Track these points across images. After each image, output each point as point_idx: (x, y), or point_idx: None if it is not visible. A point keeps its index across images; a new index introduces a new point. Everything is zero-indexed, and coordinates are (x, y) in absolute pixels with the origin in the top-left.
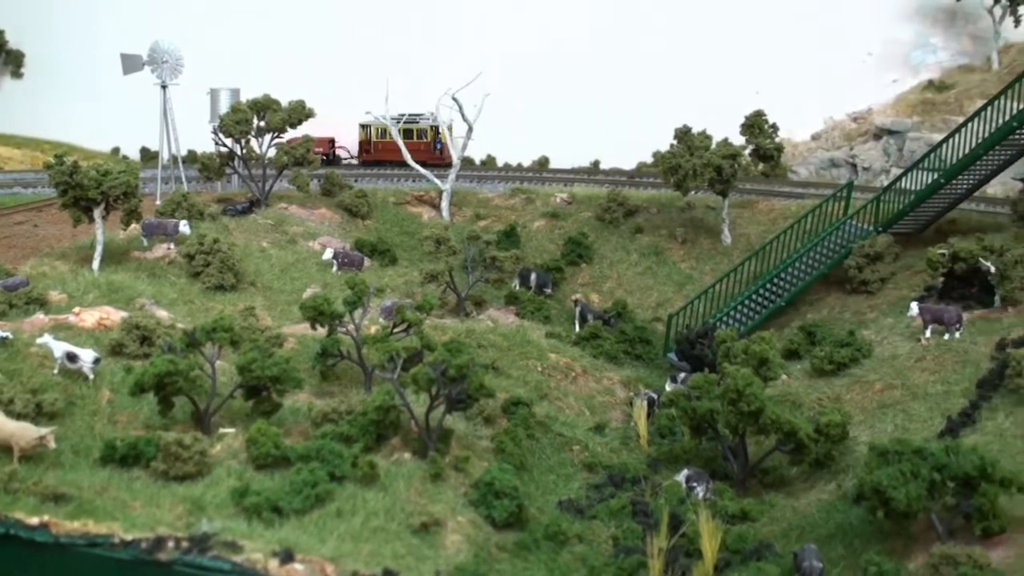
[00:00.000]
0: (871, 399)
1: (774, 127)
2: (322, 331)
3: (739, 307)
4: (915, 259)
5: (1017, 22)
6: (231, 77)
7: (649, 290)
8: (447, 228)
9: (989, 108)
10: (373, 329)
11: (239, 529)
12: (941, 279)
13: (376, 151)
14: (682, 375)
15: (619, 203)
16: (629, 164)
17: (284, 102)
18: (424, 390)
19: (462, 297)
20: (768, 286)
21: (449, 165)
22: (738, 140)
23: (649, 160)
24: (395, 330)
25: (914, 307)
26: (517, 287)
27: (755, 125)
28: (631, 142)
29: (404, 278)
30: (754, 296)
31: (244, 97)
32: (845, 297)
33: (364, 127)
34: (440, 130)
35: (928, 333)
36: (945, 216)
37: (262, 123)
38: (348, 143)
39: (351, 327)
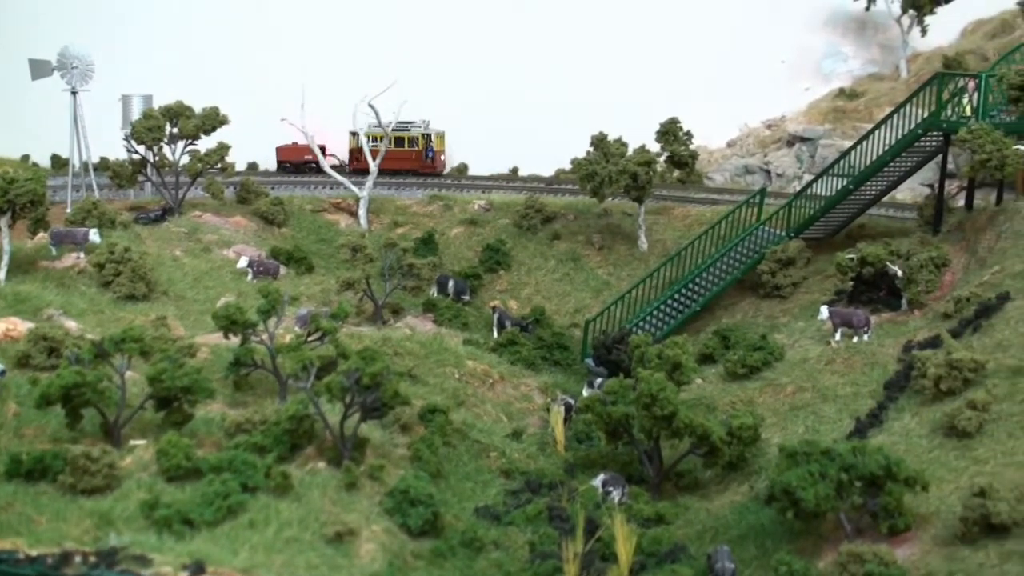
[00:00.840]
0: (783, 401)
1: (688, 134)
2: (236, 340)
3: (655, 312)
4: (826, 264)
5: (924, 32)
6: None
7: (567, 296)
8: (364, 235)
9: (896, 115)
10: (288, 338)
11: (149, 542)
12: (851, 283)
13: (366, 159)
14: (599, 380)
15: (537, 210)
16: (547, 171)
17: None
18: (338, 399)
19: (379, 305)
20: (683, 291)
21: (440, 174)
22: (655, 147)
23: (567, 167)
24: (310, 339)
25: (824, 311)
26: (435, 294)
27: (670, 132)
28: (550, 149)
29: (321, 286)
30: (670, 301)
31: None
32: (759, 301)
33: (354, 134)
34: (432, 138)
35: (838, 336)
36: (855, 221)
37: (175, 130)
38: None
39: (265, 336)
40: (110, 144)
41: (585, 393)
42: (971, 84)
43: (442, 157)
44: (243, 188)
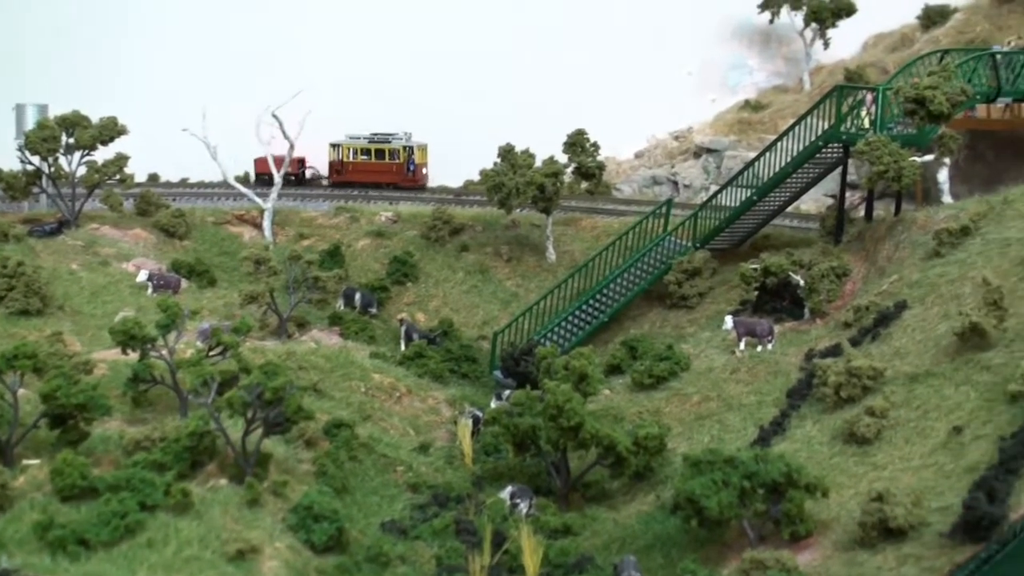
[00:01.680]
0: (689, 411)
1: (595, 146)
2: (135, 356)
3: (563, 323)
4: (732, 274)
5: (826, 45)
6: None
7: (475, 308)
8: (268, 248)
9: (798, 127)
10: (189, 353)
11: (42, 565)
12: (755, 293)
13: (347, 172)
14: (507, 392)
15: (445, 221)
16: (456, 182)
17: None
18: (240, 414)
19: (284, 318)
20: (591, 302)
21: (423, 188)
22: (563, 158)
23: (476, 178)
24: (211, 353)
25: (728, 321)
26: (341, 307)
27: (577, 144)
28: (458, 160)
29: (223, 300)
30: (578, 312)
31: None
32: (666, 312)
33: (335, 146)
34: (414, 150)
35: (742, 346)
36: (760, 232)
37: (71, 140)
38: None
39: (165, 351)
40: (2, 155)
41: (493, 405)
42: (869, 97)
43: (424, 170)
44: (143, 200)
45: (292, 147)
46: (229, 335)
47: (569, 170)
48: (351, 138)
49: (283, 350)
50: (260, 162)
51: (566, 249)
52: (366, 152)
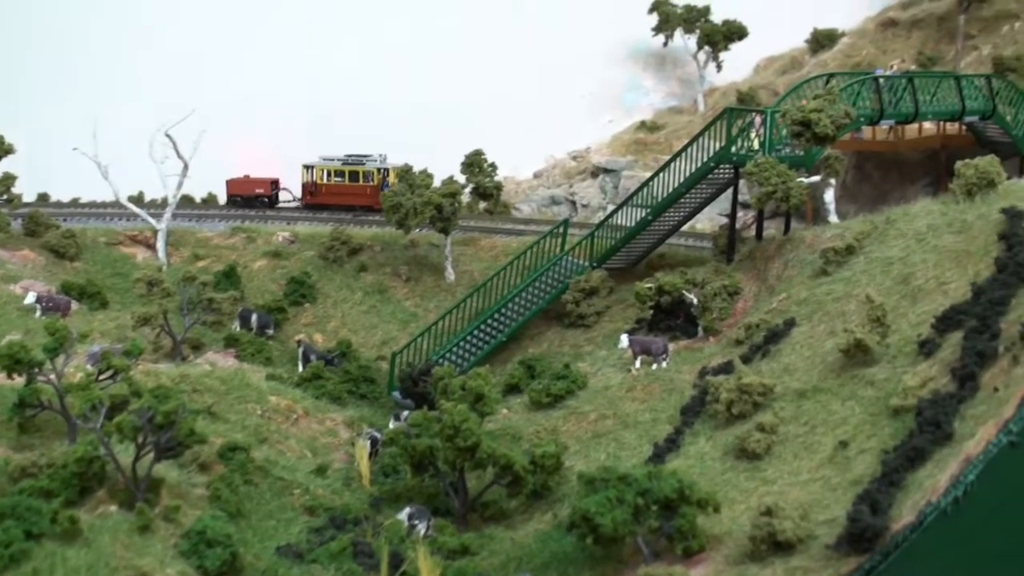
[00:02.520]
0: (586, 429)
1: (493, 166)
2: (21, 380)
3: (462, 343)
4: (628, 293)
5: (719, 68)
6: None
7: (374, 329)
8: (161, 269)
9: (691, 148)
10: (78, 377)
11: None
12: (650, 311)
13: (321, 194)
14: (405, 413)
15: (343, 241)
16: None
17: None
18: (130, 439)
19: (178, 341)
20: (490, 322)
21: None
22: (462, 178)
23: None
24: (101, 377)
25: (624, 339)
26: (237, 329)
27: (475, 164)
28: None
29: (116, 322)
30: (476, 332)
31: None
32: (564, 331)
33: (308, 168)
34: (388, 173)
35: (638, 364)
36: (655, 251)
37: None
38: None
39: (52, 375)
40: None
41: (391, 426)
42: (758, 119)
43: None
44: (31, 220)
45: (186, 167)
46: (120, 358)
47: (467, 190)
48: (325, 159)
49: (177, 373)
50: (234, 184)
51: (465, 269)
52: (340, 174)
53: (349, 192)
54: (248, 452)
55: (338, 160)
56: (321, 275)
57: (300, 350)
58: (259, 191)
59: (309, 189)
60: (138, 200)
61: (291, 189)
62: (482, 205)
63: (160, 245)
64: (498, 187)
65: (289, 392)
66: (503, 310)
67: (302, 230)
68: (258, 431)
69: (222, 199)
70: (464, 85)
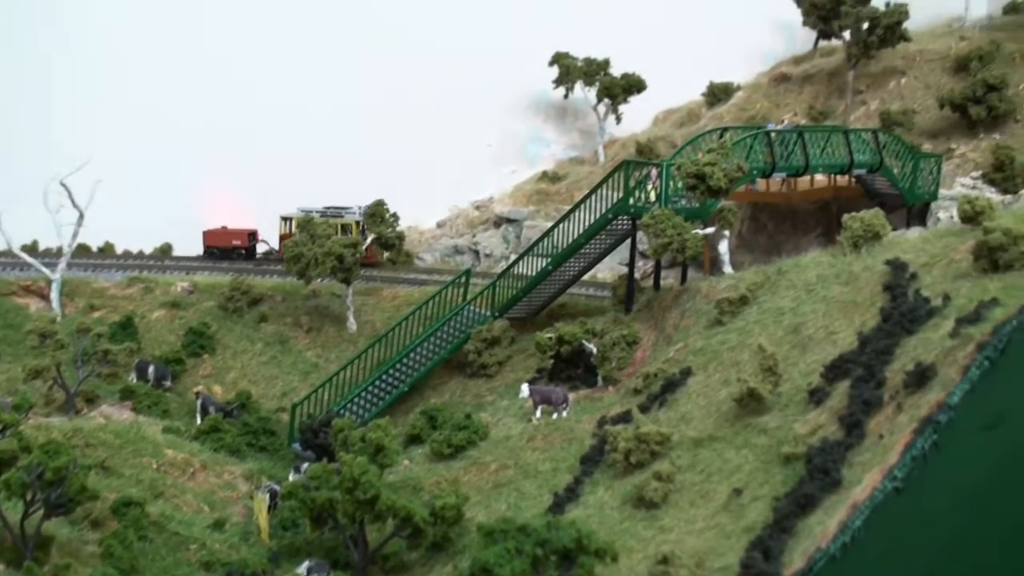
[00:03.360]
0: (487, 479)
1: (395, 216)
2: None
3: (364, 394)
4: (530, 342)
5: (619, 120)
6: None
7: (274, 379)
8: (55, 320)
9: (591, 199)
10: None
11: None
12: (551, 361)
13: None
14: (305, 465)
15: (243, 292)
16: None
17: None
18: (18, 496)
19: (71, 394)
20: (391, 372)
21: (377, 265)
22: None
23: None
24: None
25: (524, 389)
26: (134, 381)
27: (376, 214)
28: (261, 228)
29: (6, 375)
30: (378, 382)
31: None
32: (466, 381)
33: (285, 219)
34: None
35: (538, 413)
36: (556, 300)
37: None
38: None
39: None
40: None
41: (291, 478)
42: (654, 172)
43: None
44: None
45: (81, 217)
46: (9, 412)
47: (368, 240)
48: (303, 211)
49: (69, 427)
50: (211, 235)
51: (367, 319)
52: None
53: None
54: (143, 507)
55: (316, 212)
56: (221, 325)
57: (199, 402)
58: (236, 242)
59: (286, 240)
60: (32, 249)
61: (269, 241)
62: (384, 255)
63: (54, 295)
64: (400, 237)
65: (186, 445)
66: (405, 360)
67: (201, 280)
68: (153, 485)
69: (120, 248)
70: (368, 135)
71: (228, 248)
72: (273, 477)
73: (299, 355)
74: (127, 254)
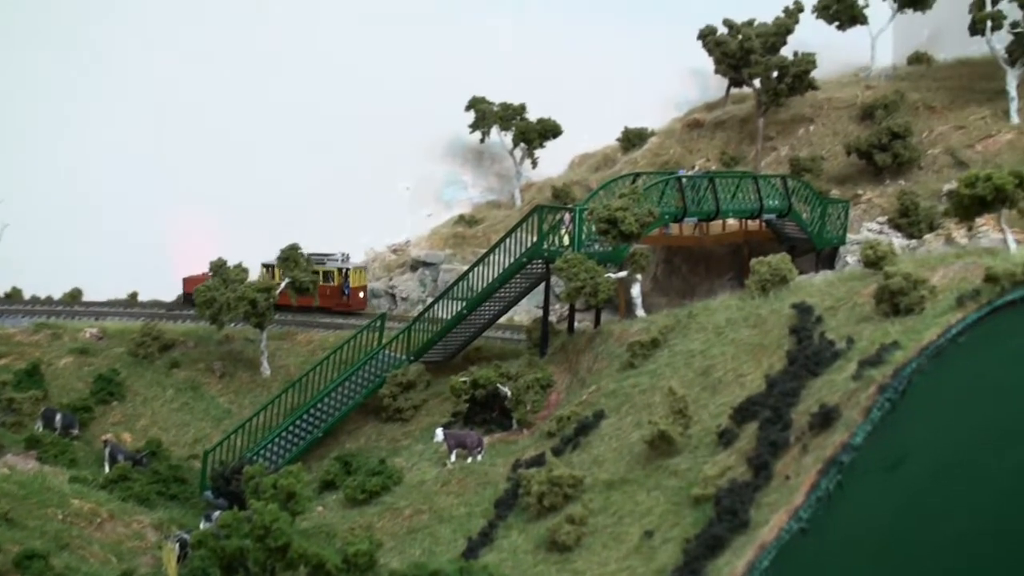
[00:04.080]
0: (401, 525)
1: (309, 260)
2: None
3: (277, 440)
4: (445, 386)
5: (534, 164)
6: None
7: (186, 426)
8: None
9: (507, 242)
10: None
11: None
12: (466, 405)
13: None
14: (217, 513)
15: (154, 337)
16: (170, 296)
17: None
18: None
19: None
20: (305, 417)
21: (360, 312)
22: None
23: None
24: None
25: (439, 433)
26: (40, 429)
27: (291, 258)
28: (174, 273)
29: None
30: (292, 428)
31: None
32: (381, 425)
33: (267, 267)
34: (349, 273)
35: (453, 458)
36: (472, 344)
37: None
38: None
39: None
40: None
41: (202, 527)
42: (567, 217)
43: (361, 294)
44: None
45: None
46: None
47: (283, 284)
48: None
49: None
50: (191, 281)
51: (281, 364)
52: None
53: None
54: (47, 560)
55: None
56: (131, 372)
57: (107, 450)
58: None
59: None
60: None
61: None
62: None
63: None
64: (314, 281)
65: (94, 495)
66: (319, 405)
67: (111, 326)
68: (59, 537)
69: (28, 293)
70: (284, 178)
71: None
72: (183, 526)
73: (212, 401)
74: (35, 299)
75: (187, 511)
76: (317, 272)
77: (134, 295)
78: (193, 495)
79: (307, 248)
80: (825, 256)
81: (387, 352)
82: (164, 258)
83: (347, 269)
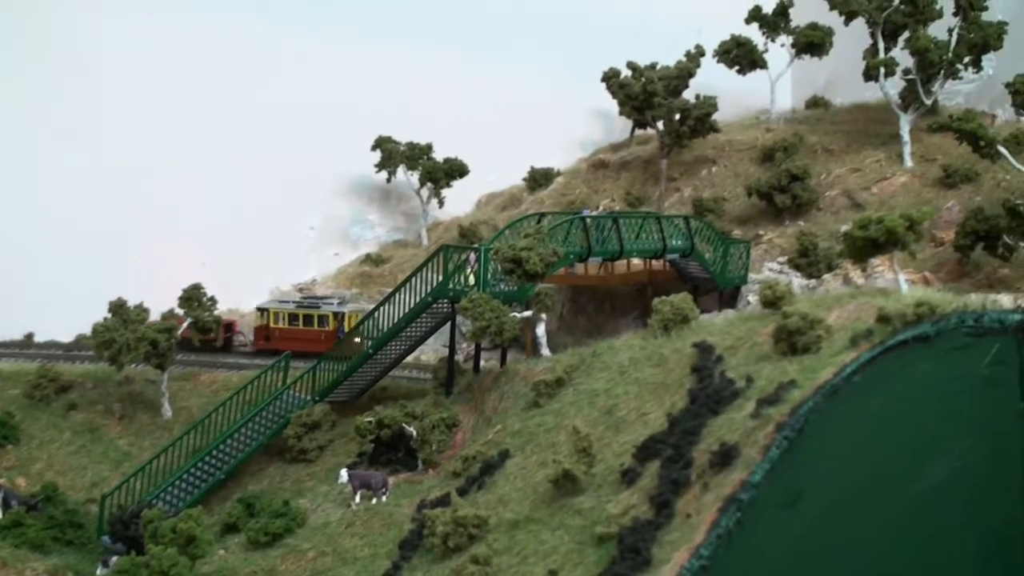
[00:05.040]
0: (304, 568)
1: (212, 300)
2: None
3: (178, 482)
4: (351, 426)
5: (441, 204)
6: None
7: (83, 470)
8: None
9: (414, 281)
10: None
11: None
12: (371, 445)
13: (274, 338)
14: (114, 559)
15: (51, 379)
16: (68, 336)
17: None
18: None
19: None
20: (208, 459)
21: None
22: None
23: (88, 332)
24: None
25: (343, 474)
26: None
27: (193, 298)
28: (72, 313)
29: None
30: (193, 470)
31: None
32: (286, 466)
33: (262, 311)
34: (345, 317)
35: (358, 498)
36: (378, 384)
37: None
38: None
39: None
40: None
41: (99, 573)
42: (472, 256)
43: (357, 339)
44: None
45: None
46: None
47: (184, 325)
48: (279, 302)
49: None
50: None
51: (183, 405)
52: (294, 318)
53: (304, 337)
54: None
55: (293, 303)
56: (26, 415)
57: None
58: (210, 336)
59: (263, 333)
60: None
61: (244, 333)
62: (200, 339)
63: None
64: (217, 321)
65: None
66: (222, 446)
67: (6, 367)
68: None
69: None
70: (187, 216)
71: (204, 340)
72: (79, 573)
73: (111, 444)
74: None
75: (83, 557)
76: (298, 315)
77: (30, 335)
78: (90, 541)
79: (291, 293)
80: (728, 295)
81: (292, 392)
82: (62, 298)
83: (342, 313)
